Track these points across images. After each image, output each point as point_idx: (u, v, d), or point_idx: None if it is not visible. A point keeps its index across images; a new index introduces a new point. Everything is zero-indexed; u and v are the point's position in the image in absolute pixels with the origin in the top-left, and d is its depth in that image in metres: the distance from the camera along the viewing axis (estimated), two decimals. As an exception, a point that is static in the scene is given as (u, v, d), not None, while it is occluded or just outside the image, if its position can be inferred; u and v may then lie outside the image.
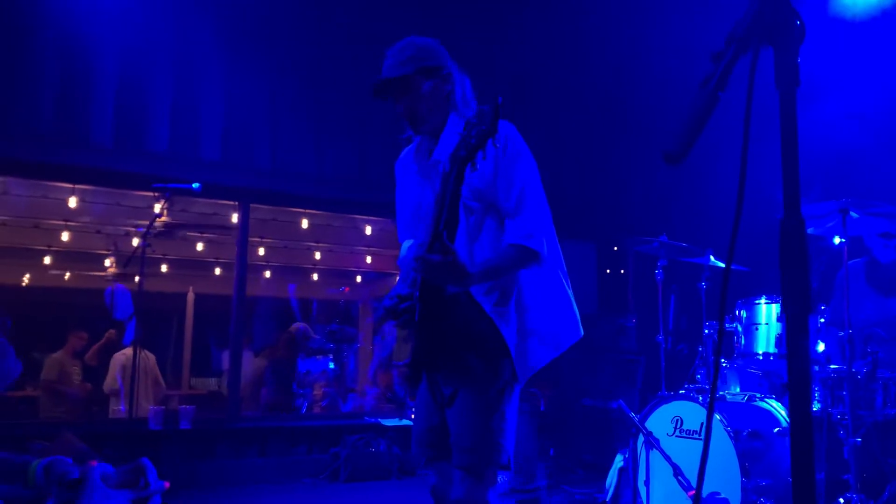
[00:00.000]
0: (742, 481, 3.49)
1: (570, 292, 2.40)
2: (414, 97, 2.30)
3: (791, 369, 0.93)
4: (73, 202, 6.35)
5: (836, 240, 3.78)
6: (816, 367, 3.78)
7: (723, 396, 4.07)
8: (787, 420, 3.88)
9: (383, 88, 2.33)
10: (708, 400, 3.75)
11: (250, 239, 6.37)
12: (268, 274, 9.61)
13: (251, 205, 6.17)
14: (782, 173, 0.94)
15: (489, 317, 2.22)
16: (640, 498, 3.83)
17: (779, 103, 0.93)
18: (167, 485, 1.48)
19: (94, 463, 1.47)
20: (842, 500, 3.48)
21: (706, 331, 4.29)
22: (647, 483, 3.80)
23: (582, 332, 2.40)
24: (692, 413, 3.82)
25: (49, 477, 1.49)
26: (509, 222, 2.23)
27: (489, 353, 2.23)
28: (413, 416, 2.46)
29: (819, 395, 3.79)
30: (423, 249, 2.07)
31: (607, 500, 4.39)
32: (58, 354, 6.94)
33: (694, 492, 3.57)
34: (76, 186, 6.14)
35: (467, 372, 2.22)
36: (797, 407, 0.93)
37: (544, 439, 5.81)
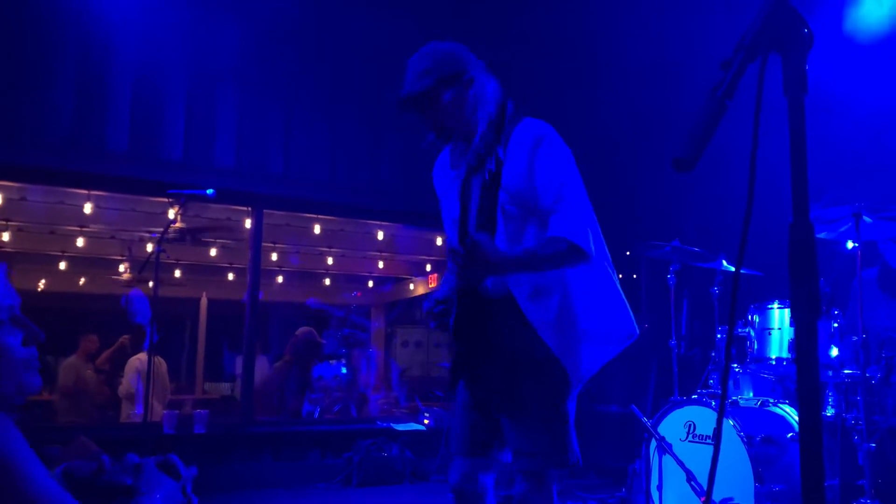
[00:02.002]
0: (755, 487, 3.47)
1: (620, 289, 2.32)
2: (436, 110, 2.23)
3: (800, 374, 0.94)
4: (88, 208, 6.41)
5: (849, 244, 3.76)
6: (830, 373, 3.76)
7: (736, 401, 4.06)
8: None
9: (405, 104, 2.27)
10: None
11: (263, 244, 6.41)
12: (280, 279, 9.66)
13: (264, 210, 6.21)
14: (791, 179, 0.95)
15: (532, 325, 2.15)
16: (653, 503, 3.82)
17: (787, 111, 0.95)
18: (195, 471, 1.51)
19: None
20: (856, 506, 3.47)
21: (719, 335, 4.28)
22: (660, 488, 3.80)
23: (638, 331, 2.32)
24: (705, 418, 3.81)
25: (72, 480, 1.51)
26: (551, 219, 2.14)
27: (536, 360, 2.17)
28: (451, 417, 2.45)
29: (833, 401, 3.77)
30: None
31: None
32: (72, 359, 7.01)
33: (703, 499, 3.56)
34: (91, 193, 6.19)
35: (515, 379, 2.18)
36: (807, 412, 0.94)
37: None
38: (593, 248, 2.14)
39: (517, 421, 2.18)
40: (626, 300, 2.33)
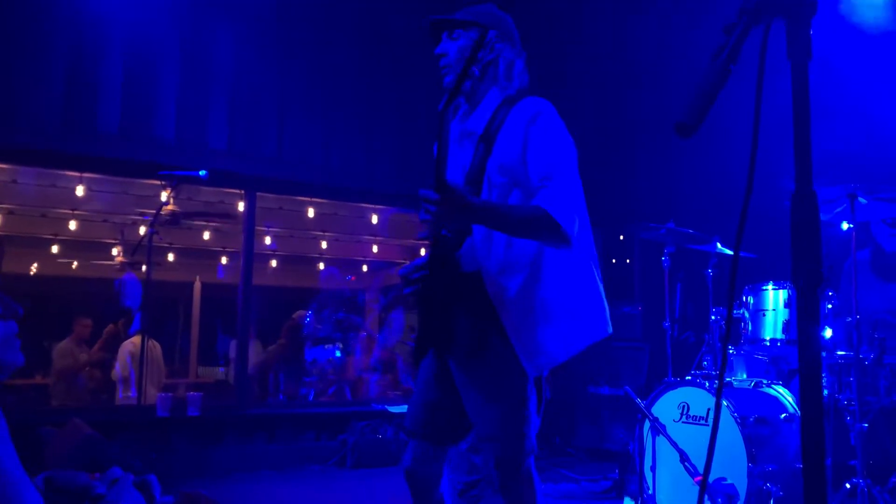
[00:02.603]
0: (748, 467, 3.49)
1: (601, 285, 2.25)
2: (455, 45, 2.29)
3: (801, 338, 0.93)
4: (80, 191, 6.37)
5: (844, 225, 3.77)
6: (824, 354, 3.78)
7: (730, 383, 4.07)
8: (795, 406, 3.89)
9: (436, 26, 2.34)
10: (714, 385, 3.75)
11: (257, 228, 6.38)
12: (274, 263, 9.64)
13: (258, 193, 6.18)
14: (794, 147, 0.93)
15: (493, 306, 2.12)
16: (647, 484, 3.84)
17: (790, 76, 0.93)
18: (171, 500, 1.47)
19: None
20: (848, 486, 3.49)
21: (713, 318, 4.28)
22: (653, 469, 3.81)
23: (611, 330, 2.24)
24: (699, 399, 3.83)
25: (51, 486, 1.48)
26: (538, 193, 2.10)
27: (496, 340, 2.13)
28: (413, 390, 2.39)
29: (826, 381, 3.79)
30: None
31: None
32: (65, 343, 6.99)
33: (700, 477, 3.58)
34: (83, 175, 6.16)
35: (480, 358, 2.13)
36: (809, 380, 0.93)
37: (550, 427, 5.83)
38: (574, 231, 2.07)
39: (478, 403, 2.14)
40: (604, 297, 2.25)
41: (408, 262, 2.27)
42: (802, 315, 0.94)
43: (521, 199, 2.17)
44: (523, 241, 2.15)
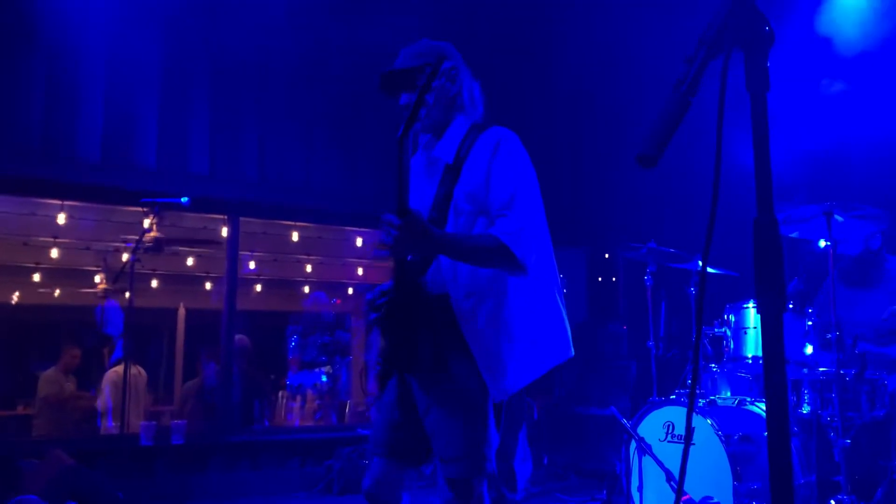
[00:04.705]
0: (734, 485, 3.50)
1: (563, 309, 2.31)
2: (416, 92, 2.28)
3: (767, 364, 0.94)
4: (61, 219, 6.32)
5: (822, 243, 3.80)
6: (805, 370, 3.80)
7: (713, 401, 4.09)
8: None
9: (390, 80, 2.32)
10: (699, 405, 3.76)
11: (240, 252, 6.35)
12: (259, 287, 9.59)
13: (241, 218, 6.16)
14: (755, 174, 0.95)
15: (460, 329, 2.16)
16: (634, 504, 3.83)
17: (749, 106, 0.95)
18: None
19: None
20: (833, 502, 3.50)
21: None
22: (640, 489, 3.81)
23: (572, 352, 2.30)
24: (684, 418, 3.83)
25: None
26: (496, 221, 2.16)
27: (461, 364, 2.16)
28: (376, 411, 2.41)
29: (808, 398, 3.80)
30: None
31: None
32: (51, 372, 6.91)
33: (688, 497, 3.58)
34: (64, 203, 6.11)
35: (443, 380, 2.17)
36: (773, 401, 0.94)
37: (538, 447, 5.81)
38: (530, 259, 2.13)
39: (439, 424, 2.16)
40: (566, 321, 2.32)
41: (374, 288, 2.29)
42: (767, 341, 0.95)
43: (486, 227, 2.20)
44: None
